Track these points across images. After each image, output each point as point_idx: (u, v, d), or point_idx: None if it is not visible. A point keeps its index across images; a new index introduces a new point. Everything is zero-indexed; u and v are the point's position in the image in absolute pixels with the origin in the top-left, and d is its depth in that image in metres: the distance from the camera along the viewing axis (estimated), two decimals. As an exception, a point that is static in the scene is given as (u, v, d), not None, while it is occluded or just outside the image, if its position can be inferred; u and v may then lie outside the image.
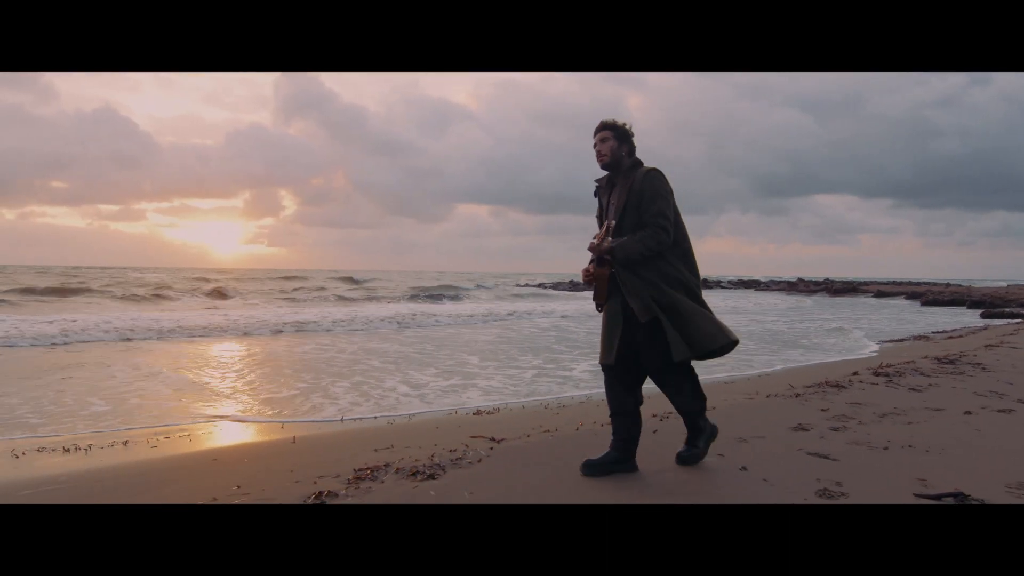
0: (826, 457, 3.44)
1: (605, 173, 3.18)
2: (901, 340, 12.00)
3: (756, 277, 68.34)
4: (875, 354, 9.54)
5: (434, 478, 3.07)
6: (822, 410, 4.61)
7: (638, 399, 3.18)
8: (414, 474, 3.10)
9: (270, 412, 5.55)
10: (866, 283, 50.27)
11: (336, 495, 2.86)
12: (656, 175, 2.99)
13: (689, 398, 3.15)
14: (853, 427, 4.13)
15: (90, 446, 4.29)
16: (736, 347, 3.14)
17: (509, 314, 17.99)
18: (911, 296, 34.32)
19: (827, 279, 60.22)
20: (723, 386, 6.24)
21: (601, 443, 3.46)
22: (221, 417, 5.30)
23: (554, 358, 9.29)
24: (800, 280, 54.62)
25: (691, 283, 3.05)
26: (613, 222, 2.95)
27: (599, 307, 3.15)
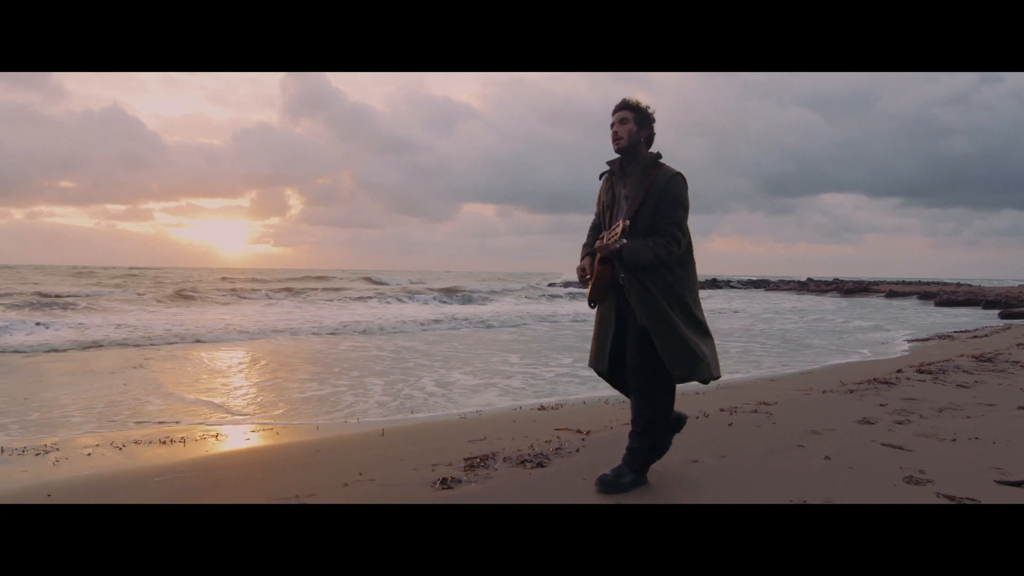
0: (900, 448, 3.65)
1: (616, 157, 2.96)
2: (927, 339, 12.16)
3: (766, 277, 68.38)
4: (907, 352, 9.73)
5: (542, 466, 3.30)
6: (880, 405, 4.82)
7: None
8: (523, 462, 3.33)
9: (351, 407, 5.78)
10: (876, 283, 50.33)
11: (459, 481, 3.09)
12: (682, 181, 2.83)
13: (660, 409, 2.91)
14: (916, 421, 4.34)
15: (183, 438, 4.52)
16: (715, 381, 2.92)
17: (552, 316, 18.01)
18: (923, 296, 34.32)
19: (836, 279, 60.24)
20: (770, 383, 6.44)
21: (682, 437, 3.67)
22: (280, 412, 5.53)
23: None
24: (810, 280, 54.70)
25: (689, 298, 2.88)
26: (628, 222, 2.72)
27: (593, 304, 3.03)
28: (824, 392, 5.41)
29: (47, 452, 4.13)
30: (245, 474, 3.54)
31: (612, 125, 2.88)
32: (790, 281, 54.81)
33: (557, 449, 3.61)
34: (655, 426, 2.91)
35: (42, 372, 7.65)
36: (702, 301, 3.03)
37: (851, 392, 5.35)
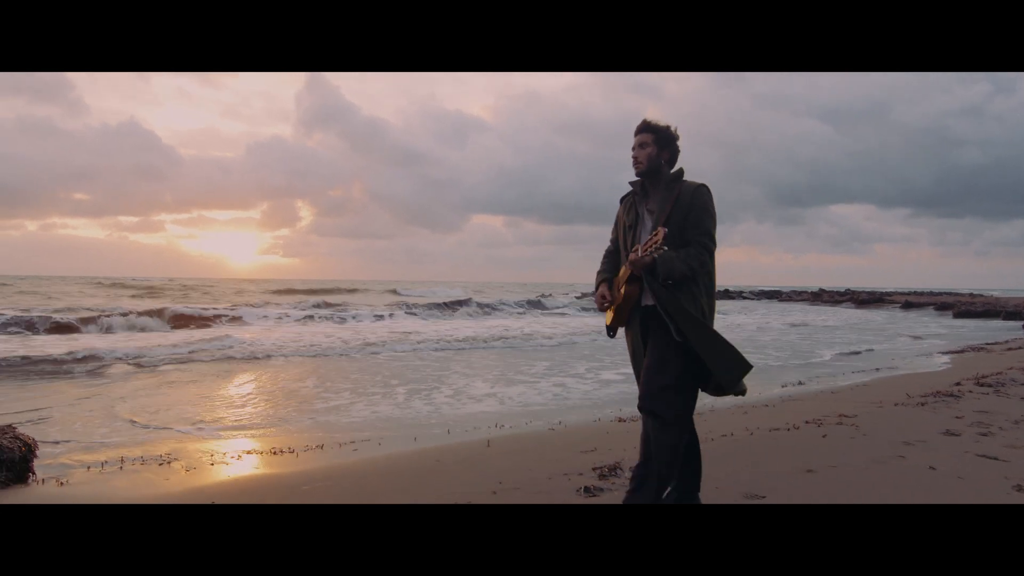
0: (995, 459, 3.87)
1: (638, 179, 2.93)
2: (961, 351, 12.33)
3: (778, 287, 68.49)
4: (949, 365, 9.91)
5: (670, 475, 3.53)
6: (956, 418, 5.04)
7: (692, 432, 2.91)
8: (650, 471, 3.57)
9: (458, 419, 6.01)
10: (889, 293, 50.38)
11: (601, 489, 3.34)
12: (707, 192, 2.81)
13: (681, 431, 2.75)
14: (997, 432, 4.56)
15: (322, 445, 4.78)
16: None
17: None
18: (940, 307, 34.37)
19: (849, 289, 60.28)
20: (832, 396, 6.66)
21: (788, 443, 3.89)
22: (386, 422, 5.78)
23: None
24: (823, 291, 54.77)
25: (710, 310, 2.83)
26: (665, 230, 2.61)
27: (612, 332, 2.96)
28: (896, 405, 5.63)
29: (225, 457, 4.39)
30: (391, 481, 3.78)
31: (632, 148, 2.87)
32: (802, 292, 54.87)
33: (675, 459, 3.85)
34: (677, 453, 2.73)
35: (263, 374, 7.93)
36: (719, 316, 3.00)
37: (922, 405, 5.58)
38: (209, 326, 17.38)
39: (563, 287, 66.42)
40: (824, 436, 4.44)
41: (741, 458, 3.91)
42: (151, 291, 36.63)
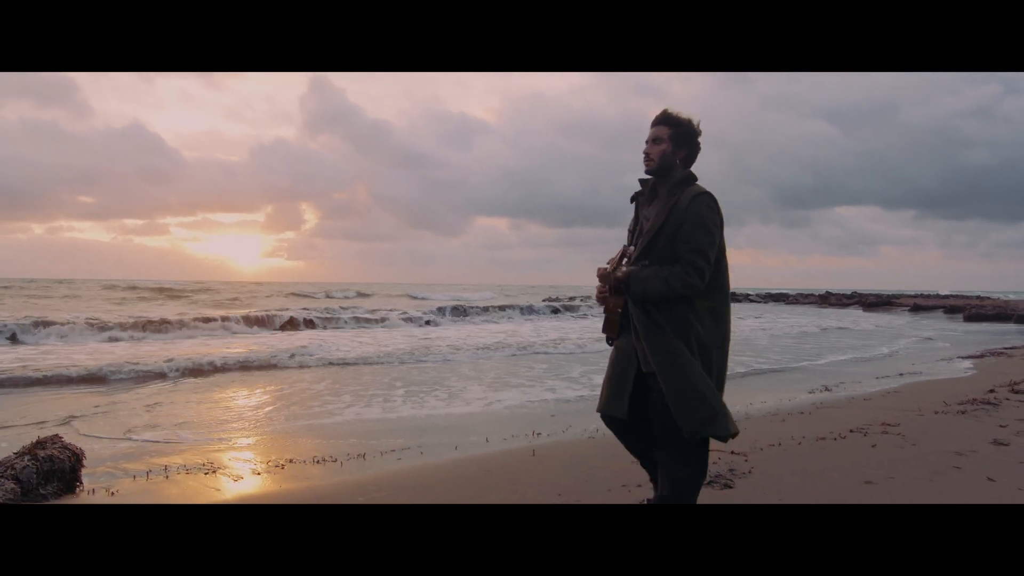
0: (1052, 469, 3.85)
1: (648, 177, 2.67)
2: (981, 356, 12.29)
3: (784, 290, 68.44)
4: (973, 370, 9.88)
5: (730, 487, 3.52)
6: (1001, 426, 5.02)
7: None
8: (709, 483, 3.56)
9: (506, 429, 6.00)
10: (896, 296, 50.28)
11: (664, 500, 3.32)
12: (707, 201, 2.47)
13: (695, 471, 2.52)
14: (1046, 442, 4.53)
15: (363, 454, 4.77)
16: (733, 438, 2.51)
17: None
18: (950, 311, 34.26)
19: (855, 292, 60.17)
20: (865, 403, 6.63)
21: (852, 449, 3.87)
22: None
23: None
24: (830, 294, 54.66)
25: (710, 343, 2.48)
26: (632, 248, 2.43)
27: (610, 341, 2.74)
28: (936, 413, 5.60)
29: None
30: (463, 487, 3.76)
31: (646, 141, 2.59)
32: (809, 295, 54.78)
33: (731, 470, 3.83)
34: (693, 485, 2.54)
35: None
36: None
37: (963, 413, 5.55)
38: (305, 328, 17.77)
39: (568, 289, 66.44)
40: (873, 446, 4.43)
41: (796, 469, 3.90)
42: (174, 294, 36.71)
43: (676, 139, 2.56)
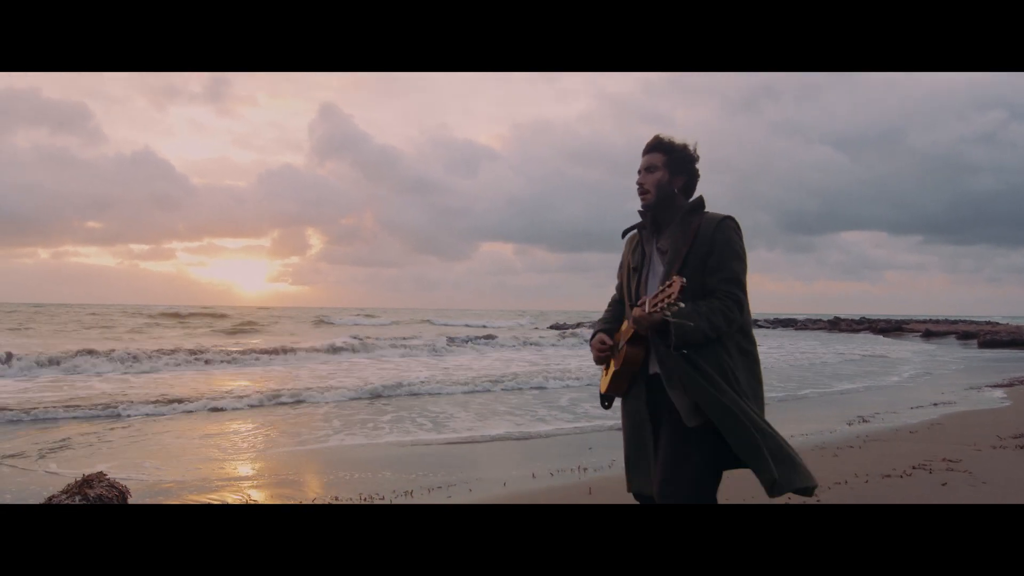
0: None
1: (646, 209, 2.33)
2: (1010, 385, 12.12)
3: (792, 315, 68.20)
4: (1008, 401, 9.71)
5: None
6: (1068, 462, 4.87)
7: None
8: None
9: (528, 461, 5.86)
10: (905, 321, 50.03)
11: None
12: (735, 227, 2.20)
13: None
14: (1121, 480, 4.39)
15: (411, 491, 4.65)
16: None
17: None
18: (962, 336, 34.00)
19: (864, 317, 59.97)
20: (911, 435, 6.48)
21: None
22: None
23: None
24: (838, 319, 54.44)
25: (750, 392, 2.14)
26: (683, 280, 1.90)
27: (608, 403, 2.34)
28: (995, 448, 5.46)
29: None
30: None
31: (638, 171, 2.29)
32: (818, 320, 54.56)
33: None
34: None
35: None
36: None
37: (1022, 448, 5.41)
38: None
39: (576, 315, 66.39)
40: (944, 484, 4.28)
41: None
42: (201, 320, 36.63)
43: (672, 166, 2.26)
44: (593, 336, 2.42)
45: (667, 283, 1.94)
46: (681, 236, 2.20)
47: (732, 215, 2.24)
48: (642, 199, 2.29)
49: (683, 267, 2.15)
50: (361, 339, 19.71)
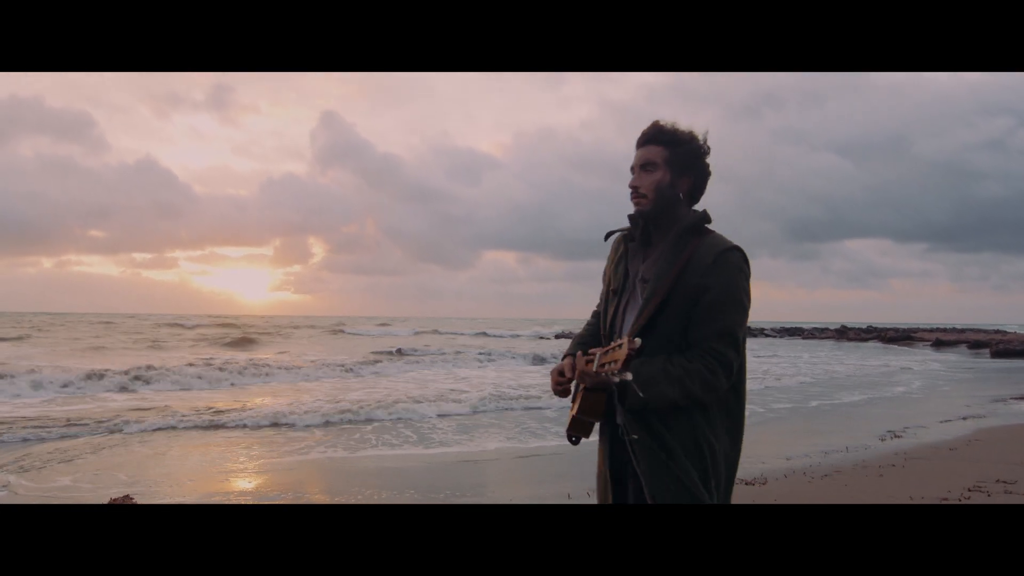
0: None
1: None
2: (1035, 397, 11.95)
3: (795, 323, 67.96)
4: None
5: None
6: (1125, 484, 4.72)
7: None
8: None
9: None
10: (913, 329, 49.74)
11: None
12: (739, 261, 1.69)
13: None
14: None
15: None
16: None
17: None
18: (973, 345, 33.69)
19: (871, 326, 59.70)
20: (951, 452, 6.33)
21: None
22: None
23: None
24: (845, 327, 54.20)
25: (730, 461, 1.74)
26: (637, 343, 1.48)
27: (575, 441, 1.86)
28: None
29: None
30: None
31: (632, 169, 1.80)
32: (824, 329, 54.34)
33: None
34: None
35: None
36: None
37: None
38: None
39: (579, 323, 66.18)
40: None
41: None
42: (221, 330, 36.56)
43: (675, 163, 1.75)
44: (564, 357, 1.87)
45: (616, 343, 1.55)
46: (669, 264, 1.70)
47: (740, 246, 1.71)
48: (637, 205, 1.77)
49: (666, 305, 1.68)
50: (410, 351, 19.72)
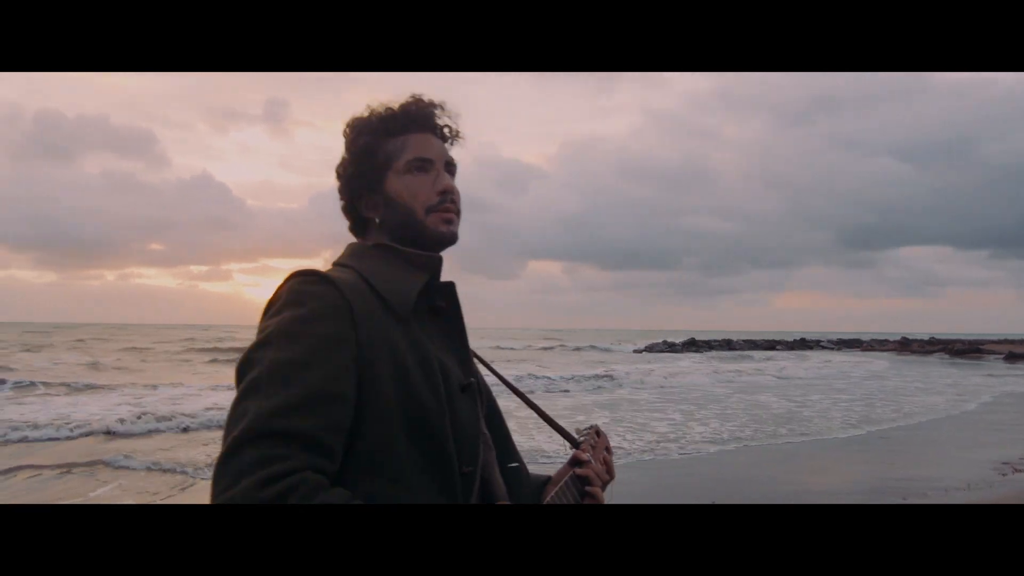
0: None
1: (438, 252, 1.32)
2: None
3: (850, 333, 65.19)
4: None
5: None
6: None
7: None
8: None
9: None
10: (980, 341, 46.84)
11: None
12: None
13: None
14: None
15: None
16: None
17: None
18: (1051, 357, 31.43)
19: (933, 336, 56.76)
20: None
21: None
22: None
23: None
24: (907, 339, 51.53)
25: None
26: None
27: None
28: None
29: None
30: None
31: (426, 164, 1.27)
32: (884, 340, 51.90)
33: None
34: None
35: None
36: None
37: None
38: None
39: (625, 334, 65.23)
40: None
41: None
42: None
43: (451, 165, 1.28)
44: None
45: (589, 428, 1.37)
46: (462, 333, 1.24)
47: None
48: (447, 224, 1.26)
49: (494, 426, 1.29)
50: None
